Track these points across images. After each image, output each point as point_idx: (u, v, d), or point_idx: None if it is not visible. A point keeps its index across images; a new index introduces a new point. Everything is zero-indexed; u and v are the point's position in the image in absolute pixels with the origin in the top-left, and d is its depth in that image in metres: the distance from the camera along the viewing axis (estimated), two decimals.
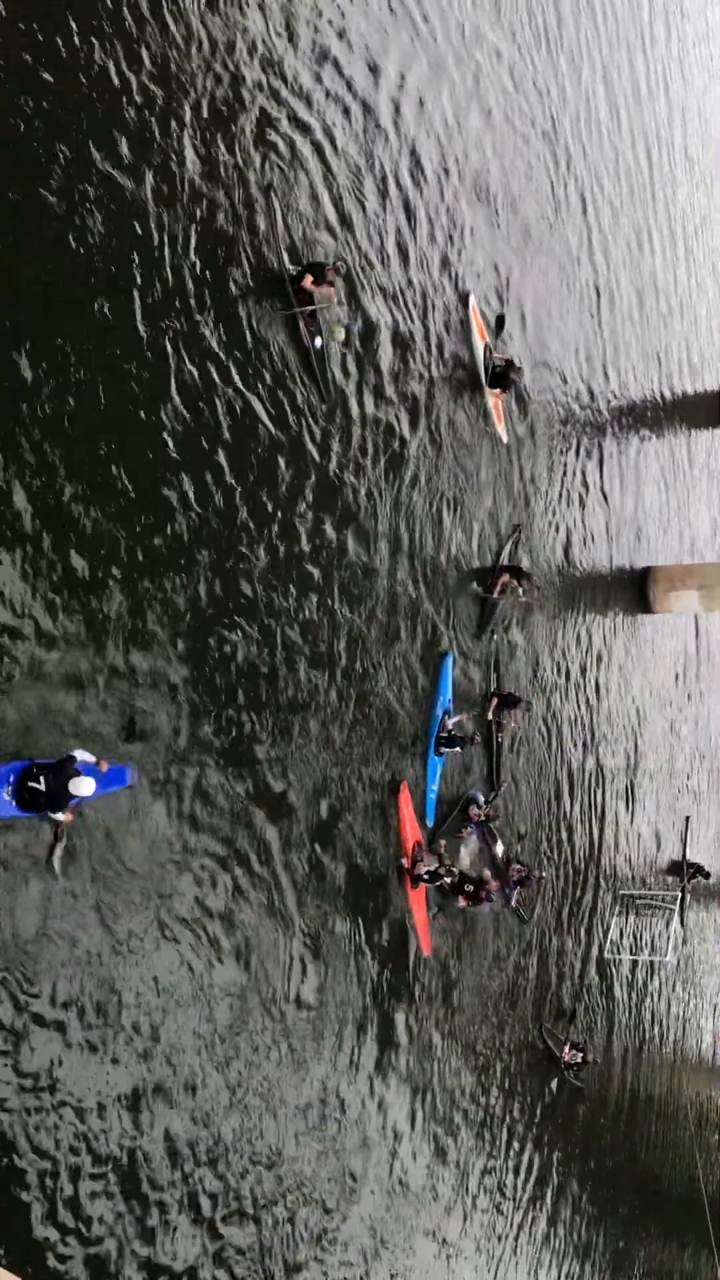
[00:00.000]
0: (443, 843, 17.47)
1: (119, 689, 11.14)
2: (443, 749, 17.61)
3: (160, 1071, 11.67)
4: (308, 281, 13.59)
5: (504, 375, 20.02)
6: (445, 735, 17.61)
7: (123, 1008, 11.13)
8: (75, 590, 10.59)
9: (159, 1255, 11.58)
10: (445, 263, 18.55)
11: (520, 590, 20.02)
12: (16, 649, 9.94)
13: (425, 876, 16.57)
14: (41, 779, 9.80)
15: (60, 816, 10.08)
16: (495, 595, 19.63)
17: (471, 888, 18.13)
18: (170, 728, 11.87)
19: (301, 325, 13.68)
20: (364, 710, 15.75)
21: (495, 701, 20.00)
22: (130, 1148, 11.23)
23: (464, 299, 18.97)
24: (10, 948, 9.74)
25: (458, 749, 17.89)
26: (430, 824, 17.78)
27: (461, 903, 18.23)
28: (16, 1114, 9.84)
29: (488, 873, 18.79)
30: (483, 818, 18.89)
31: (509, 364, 20.06)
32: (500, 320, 20.60)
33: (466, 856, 18.50)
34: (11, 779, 9.73)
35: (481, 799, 19.00)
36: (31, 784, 9.76)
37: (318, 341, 14.01)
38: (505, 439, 20.73)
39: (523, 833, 21.72)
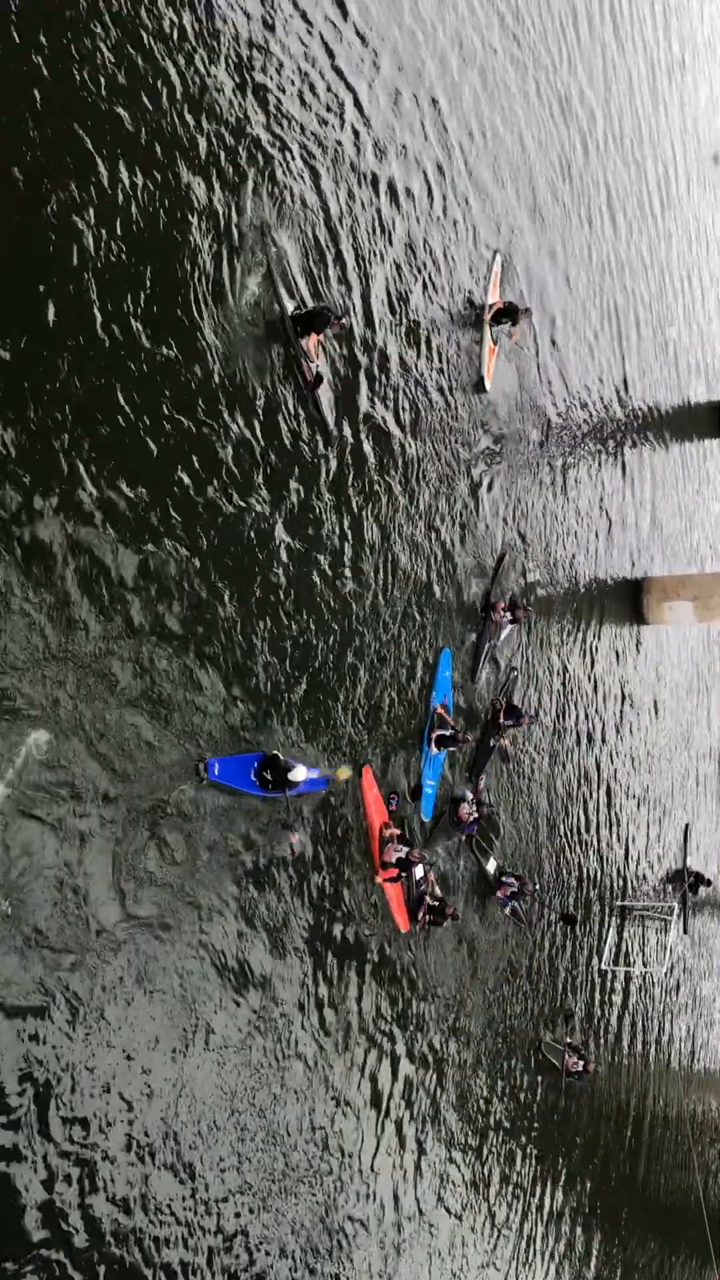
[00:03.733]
0: (397, 830, 16.85)
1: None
2: (439, 746, 17.67)
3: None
4: (311, 337, 13.86)
5: (510, 314, 20.09)
6: (442, 733, 17.66)
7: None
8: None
9: None
10: (447, 284, 18.82)
11: (517, 616, 20.31)
12: None
13: (395, 864, 16.13)
14: (269, 770, 13.15)
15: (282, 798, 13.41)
16: (492, 629, 19.96)
17: (435, 903, 17.44)
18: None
19: (303, 364, 13.97)
20: (361, 703, 15.92)
21: (502, 707, 20.11)
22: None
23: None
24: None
25: (453, 748, 17.95)
26: (428, 819, 17.83)
27: (421, 915, 17.34)
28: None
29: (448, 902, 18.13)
30: (475, 816, 18.82)
31: (510, 306, 20.14)
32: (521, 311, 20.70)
33: (421, 871, 17.62)
34: (255, 764, 13.08)
35: (470, 795, 18.99)
36: (265, 775, 13.14)
37: (316, 369, 14.31)
38: (489, 385, 20.54)
39: (511, 844, 21.74)
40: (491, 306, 19.88)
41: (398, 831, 16.26)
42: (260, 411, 13.49)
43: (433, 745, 17.64)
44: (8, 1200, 10.00)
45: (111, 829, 11.21)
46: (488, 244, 20.24)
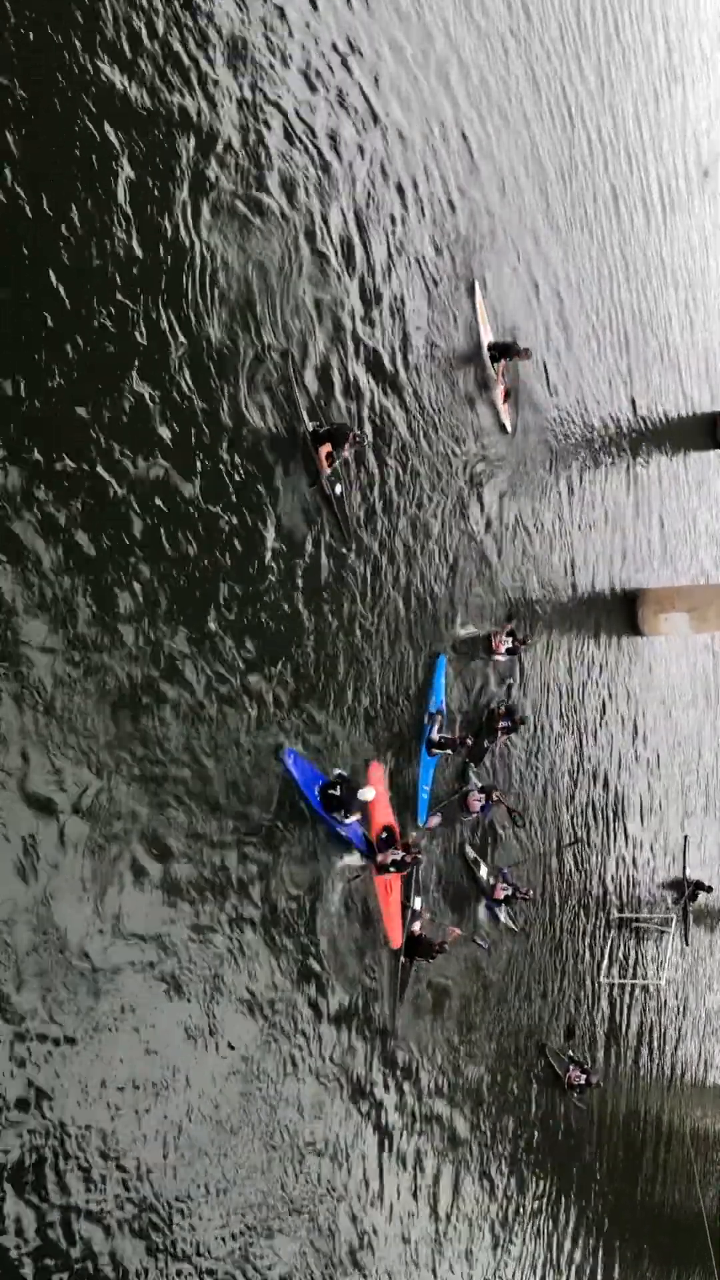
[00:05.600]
0: (413, 834, 17.18)
1: None
2: (434, 750, 17.84)
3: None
4: (326, 447, 14.62)
5: (505, 351, 20.80)
6: (437, 737, 17.84)
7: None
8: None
9: None
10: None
11: (515, 647, 20.76)
12: None
13: (390, 866, 16.10)
14: (338, 787, 14.04)
15: (350, 821, 14.49)
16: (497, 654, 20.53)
17: (423, 936, 17.12)
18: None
19: (323, 479, 14.80)
20: (359, 707, 16.09)
21: (498, 710, 20.34)
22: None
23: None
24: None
25: (449, 751, 18.11)
26: (423, 824, 17.95)
27: (409, 939, 16.95)
28: None
29: (452, 929, 17.93)
30: (484, 801, 18.96)
31: (504, 345, 20.85)
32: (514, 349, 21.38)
33: (419, 904, 17.63)
34: (320, 783, 14.05)
35: (477, 784, 19.15)
36: (330, 791, 13.97)
37: (338, 489, 15.23)
38: (510, 429, 21.24)
39: (509, 853, 21.85)
40: (490, 345, 20.48)
41: (405, 841, 16.42)
42: (282, 511, 14.21)
43: (428, 750, 17.81)
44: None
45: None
46: (470, 276, 20.52)
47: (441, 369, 18.93)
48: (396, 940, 16.52)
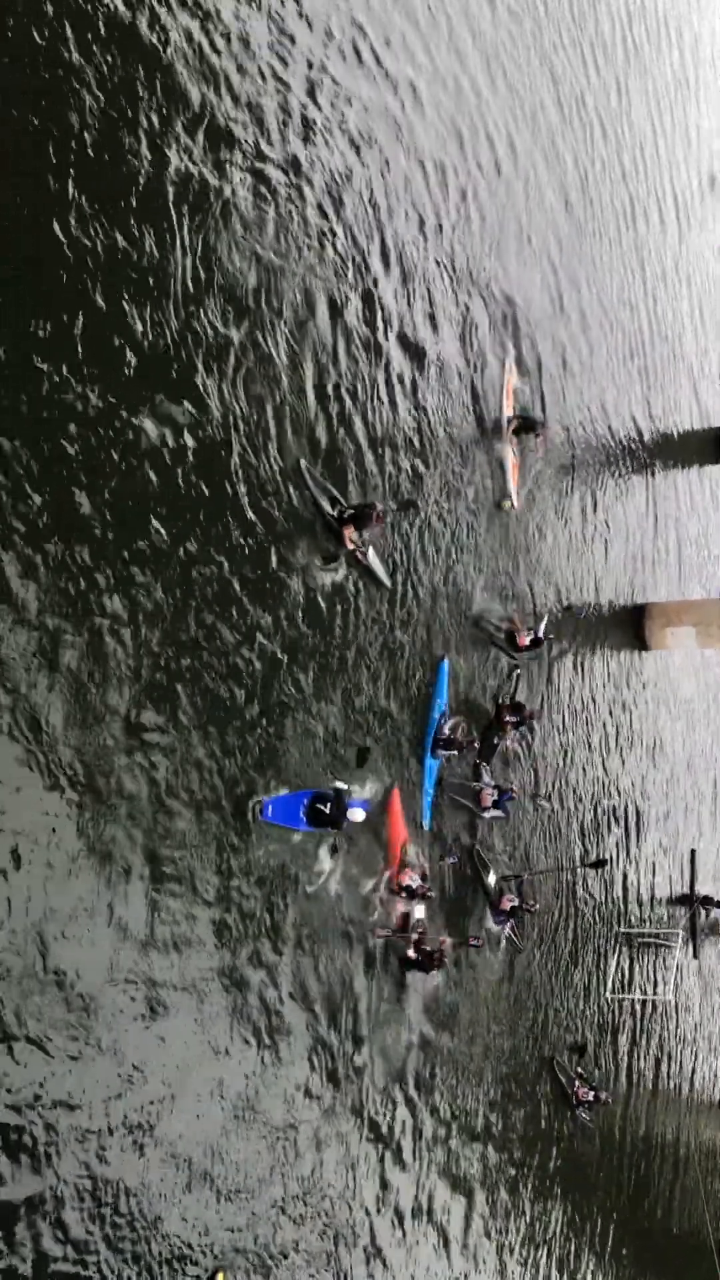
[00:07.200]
0: (422, 861, 17.29)
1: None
2: (439, 751, 17.73)
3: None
4: (350, 530, 15.21)
5: (530, 427, 21.22)
6: (442, 738, 17.73)
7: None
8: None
9: None
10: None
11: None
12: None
13: (403, 890, 16.28)
14: (327, 804, 13.89)
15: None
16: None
17: (424, 951, 16.92)
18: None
19: (356, 552, 15.52)
20: (364, 713, 16.08)
21: (504, 705, 20.25)
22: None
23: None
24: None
25: (454, 752, 18.00)
26: (426, 827, 17.83)
27: (411, 966, 16.84)
28: None
29: (443, 939, 17.56)
30: (498, 798, 18.87)
31: (528, 420, 21.27)
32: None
33: (422, 912, 17.45)
34: (304, 802, 13.77)
35: (489, 781, 19.05)
36: (319, 805, 13.85)
37: (370, 552, 15.89)
38: (517, 506, 21.37)
39: (515, 867, 21.70)
40: (510, 421, 20.71)
41: (423, 868, 16.58)
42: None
43: (432, 753, 17.72)
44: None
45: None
46: (500, 348, 20.81)
47: (461, 424, 19.22)
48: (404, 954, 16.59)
